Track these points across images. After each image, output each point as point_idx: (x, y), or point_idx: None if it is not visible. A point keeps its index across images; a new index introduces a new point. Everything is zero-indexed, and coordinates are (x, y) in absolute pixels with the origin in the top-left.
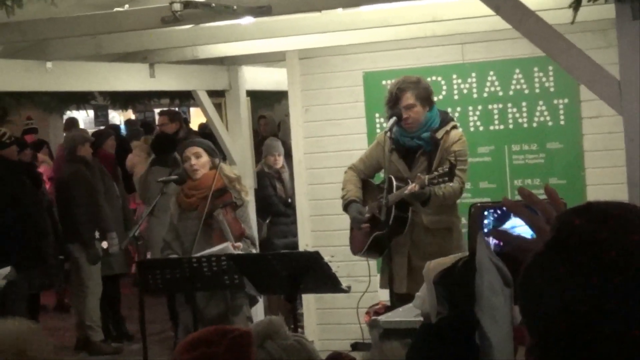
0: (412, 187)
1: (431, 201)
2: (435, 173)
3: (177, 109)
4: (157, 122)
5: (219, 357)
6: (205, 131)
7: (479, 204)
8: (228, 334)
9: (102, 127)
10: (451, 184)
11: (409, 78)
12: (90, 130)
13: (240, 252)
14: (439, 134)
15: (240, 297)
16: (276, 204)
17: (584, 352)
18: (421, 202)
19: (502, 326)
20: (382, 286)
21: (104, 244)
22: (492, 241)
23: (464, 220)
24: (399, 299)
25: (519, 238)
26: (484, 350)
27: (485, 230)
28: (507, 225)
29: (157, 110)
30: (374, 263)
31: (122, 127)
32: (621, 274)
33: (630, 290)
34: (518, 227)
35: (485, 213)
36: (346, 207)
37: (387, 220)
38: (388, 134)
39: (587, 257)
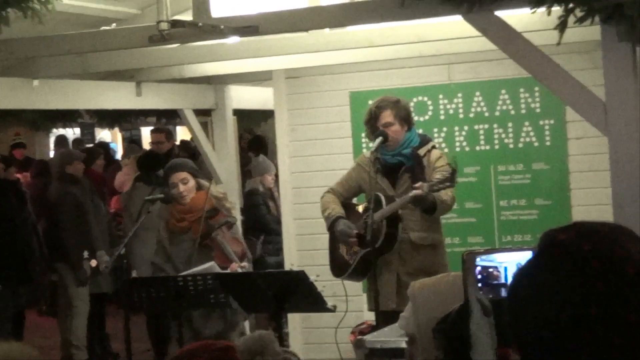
0: (416, 192)
1: (438, 208)
2: (435, 179)
3: (166, 126)
4: (151, 140)
5: None
6: (190, 146)
7: (470, 252)
8: (212, 346)
9: (90, 145)
10: (450, 192)
11: (388, 98)
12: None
13: (243, 270)
14: (422, 151)
15: (239, 314)
16: (270, 223)
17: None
18: (426, 210)
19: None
20: (370, 308)
21: (93, 262)
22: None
23: (448, 240)
24: (385, 317)
25: None
26: None
27: (478, 276)
28: (494, 262)
29: (143, 129)
30: (351, 283)
31: (113, 145)
32: (603, 282)
33: (611, 298)
34: (504, 263)
35: (478, 259)
36: (332, 224)
37: (376, 237)
38: (375, 153)
39: (570, 266)
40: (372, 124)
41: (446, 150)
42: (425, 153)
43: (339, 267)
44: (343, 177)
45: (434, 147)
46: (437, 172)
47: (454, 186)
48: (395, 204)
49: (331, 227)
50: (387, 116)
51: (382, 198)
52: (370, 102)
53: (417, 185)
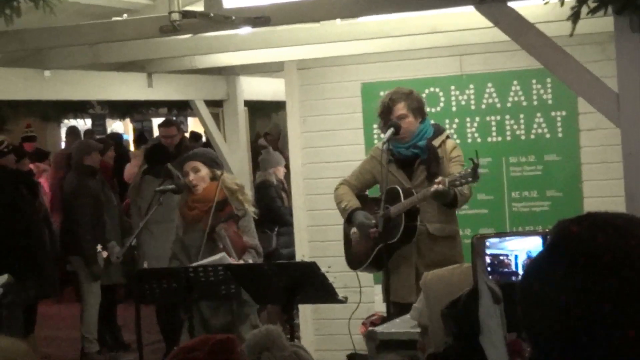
0: (437, 187)
1: (458, 201)
2: (457, 174)
3: (174, 118)
4: (161, 134)
5: None
6: (197, 139)
7: (480, 235)
8: (211, 339)
9: (101, 136)
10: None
11: (401, 89)
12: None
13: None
14: (436, 142)
15: (248, 306)
16: (285, 215)
17: (582, 356)
18: (446, 203)
19: (499, 347)
20: (384, 300)
21: (104, 253)
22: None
23: (462, 232)
24: (401, 309)
25: None
26: None
27: (487, 259)
28: (505, 251)
29: (155, 120)
30: (366, 274)
31: (125, 137)
32: (616, 276)
33: (625, 293)
34: (515, 251)
35: (487, 243)
36: (350, 217)
37: (395, 229)
38: (386, 145)
39: (583, 260)
40: (385, 116)
41: (458, 141)
42: (440, 144)
43: (354, 260)
44: (357, 169)
45: (448, 137)
46: (454, 163)
47: (477, 181)
48: (415, 197)
49: (349, 219)
50: (400, 108)
51: (400, 191)
52: (382, 93)
53: (438, 180)
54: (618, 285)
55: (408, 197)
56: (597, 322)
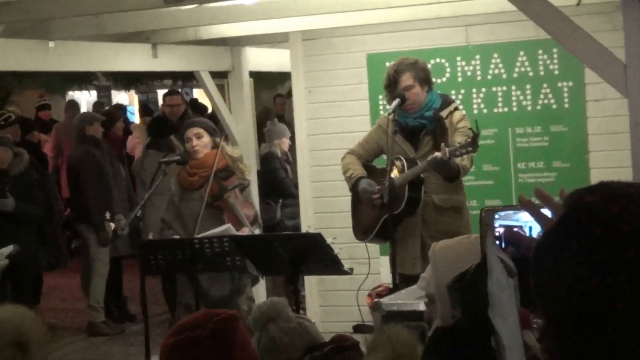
0: (437, 154)
1: (461, 174)
2: (457, 144)
3: (180, 89)
4: (166, 103)
5: (202, 340)
6: (203, 111)
7: (488, 208)
8: (213, 317)
9: (108, 108)
10: (469, 156)
11: (406, 60)
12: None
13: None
14: (444, 113)
15: (246, 278)
16: (288, 187)
17: (596, 329)
18: (448, 177)
19: (510, 322)
20: (391, 271)
21: (112, 225)
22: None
23: (469, 203)
24: (405, 281)
25: (531, 239)
26: (499, 353)
27: (496, 233)
28: (519, 222)
29: (160, 92)
30: (373, 245)
31: (130, 108)
32: (633, 248)
33: None
34: (529, 222)
35: (496, 216)
36: (355, 185)
37: (399, 200)
38: (392, 115)
39: (599, 231)
40: (392, 88)
41: (464, 112)
42: (448, 115)
43: (362, 230)
44: (363, 138)
45: (456, 108)
46: (458, 134)
47: (476, 151)
48: (416, 168)
49: (354, 188)
50: (406, 79)
51: (404, 161)
52: (387, 64)
53: (441, 150)
54: (636, 257)
55: (411, 167)
56: (613, 294)
